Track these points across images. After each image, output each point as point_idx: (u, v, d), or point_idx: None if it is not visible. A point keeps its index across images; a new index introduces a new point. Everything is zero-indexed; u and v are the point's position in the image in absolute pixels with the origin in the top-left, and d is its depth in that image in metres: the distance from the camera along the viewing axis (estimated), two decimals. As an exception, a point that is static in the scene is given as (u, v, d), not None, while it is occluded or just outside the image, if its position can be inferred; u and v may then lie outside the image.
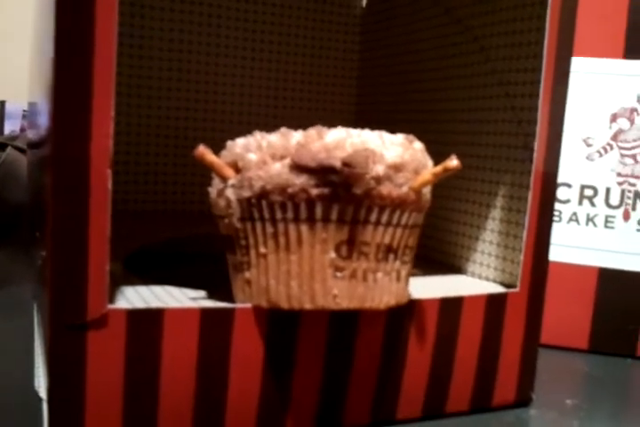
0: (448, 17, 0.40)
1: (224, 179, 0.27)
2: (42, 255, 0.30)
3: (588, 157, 0.43)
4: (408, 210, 0.27)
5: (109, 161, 0.25)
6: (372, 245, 0.26)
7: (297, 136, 0.26)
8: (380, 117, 0.48)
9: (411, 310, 0.30)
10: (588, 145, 0.43)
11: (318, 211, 0.26)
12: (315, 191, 0.25)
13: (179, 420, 0.27)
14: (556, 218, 0.44)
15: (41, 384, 0.29)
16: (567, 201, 0.43)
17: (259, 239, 0.26)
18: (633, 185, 0.42)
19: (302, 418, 0.29)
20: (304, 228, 0.26)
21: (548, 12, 0.31)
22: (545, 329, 0.39)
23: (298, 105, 0.51)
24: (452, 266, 0.39)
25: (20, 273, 0.52)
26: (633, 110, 0.42)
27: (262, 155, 0.26)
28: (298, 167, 0.25)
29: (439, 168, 0.27)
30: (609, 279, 0.43)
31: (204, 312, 0.26)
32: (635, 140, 0.42)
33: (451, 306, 0.31)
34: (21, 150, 0.69)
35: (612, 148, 0.43)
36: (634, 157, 0.42)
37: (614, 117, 0.42)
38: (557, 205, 0.44)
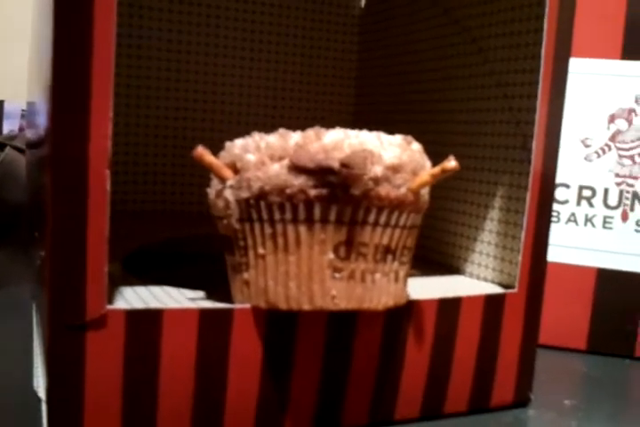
0: (447, 18, 0.40)
1: (222, 180, 0.27)
2: (41, 255, 0.30)
3: (586, 158, 0.43)
4: (406, 211, 0.27)
5: (108, 161, 0.25)
6: (370, 245, 0.26)
7: (295, 137, 0.26)
8: (378, 118, 0.48)
9: (409, 310, 0.30)
10: (586, 146, 0.43)
11: (317, 212, 0.26)
12: (313, 192, 0.25)
13: (178, 420, 0.27)
14: (554, 219, 0.44)
15: (40, 384, 0.29)
16: (565, 202, 0.44)
17: (257, 240, 0.26)
18: (631, 186, 0.42)
19: (301, 418, 0.29)
20: (302, 229, 0.26)
21: (547, 13, 0.31)
22: (543, 330, 0.39)
23: (296, 105, 0.51)
24: (450, 267, 0.39)
25: (19, 273, 0.52)
26: (631, 111, 0.42)
27: (261, 156, 0.26)
28: (296, 168, 0.25)
29: (437, 169, 0.27)
30: (607, 280, 0.43)
31: (203, 313, 0.27)
32: (633, 141, 0.42)
33: (449, 307, 0.31)
34: (20, 150, 0.69)
35: (610, 148, 0.43)
36: (632, 157, 0.42)
37: (612, 118, 0.43)
38: (555, 206, 0.44)
